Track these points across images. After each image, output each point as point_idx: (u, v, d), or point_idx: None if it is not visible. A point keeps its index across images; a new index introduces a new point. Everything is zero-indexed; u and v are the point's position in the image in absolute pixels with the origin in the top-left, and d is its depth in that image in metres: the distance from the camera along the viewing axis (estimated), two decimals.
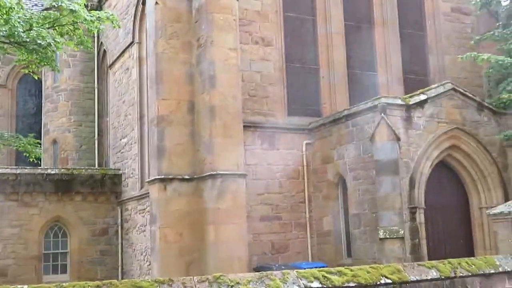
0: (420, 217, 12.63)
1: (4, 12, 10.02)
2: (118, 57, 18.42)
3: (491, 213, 11.16)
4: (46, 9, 17.37)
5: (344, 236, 13.77)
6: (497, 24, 16.51)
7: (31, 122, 22.62)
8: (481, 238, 13.73)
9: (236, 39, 13.04)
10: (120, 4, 18.53)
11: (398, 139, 12.42)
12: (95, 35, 18.52)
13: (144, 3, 14.80)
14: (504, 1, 16.48)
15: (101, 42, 19.89)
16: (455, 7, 17.21)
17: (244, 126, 12.94)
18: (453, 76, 16.40)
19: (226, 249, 11.82)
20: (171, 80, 12.97)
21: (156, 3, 13.26)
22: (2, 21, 10.19)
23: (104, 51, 19.87)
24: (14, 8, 10.13)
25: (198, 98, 12.90)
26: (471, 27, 17.33)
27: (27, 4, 17.44)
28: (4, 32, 10.14)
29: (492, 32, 15.80)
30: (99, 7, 20.01)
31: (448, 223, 13.58)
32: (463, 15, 17.27)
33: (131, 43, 17.30)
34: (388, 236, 11.94)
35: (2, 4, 9.79)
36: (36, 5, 22.02)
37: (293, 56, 15.22)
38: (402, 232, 11.96)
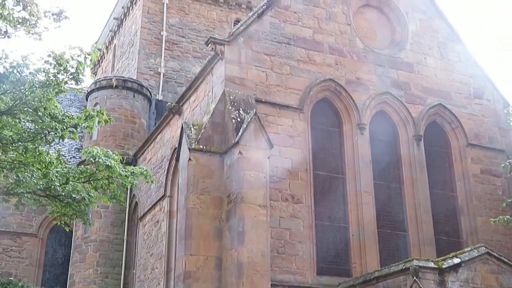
0: None
1: (44, 166, 10.43)
2: (149, 210, 18.67)
3: None
4: (82, 161, 18.02)
5: None
6: None
7: (58, 273, 22.50)
8: None
9: (266, 196, 13.19)
10: (155, 158, 19.15)
11: None
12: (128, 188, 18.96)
13: (177, 159, 15.27)
14: None
15: (134, 194, 20.29)
16: (484, 169, 17.31)
17: (272, 285, 12.64)
18: (486, 238, 16.07)
19: None
20: (200, 235, 12.98)
21: (190, 159, 13.66)
22: (40, 174, 10.57)
23: (136, 203, 20.20)
24: (53, 162, 10.56)
25: (226, 254, 12.80)
26: (502, 189, 17.28)
27: (65, 156, 18.09)
28: (41, 186, 10.47)
29: None
30: (134, 161, 20.70)
31: None
32: (494, 177, 17.30)
33: (163, 197, 17.60)
34: None
35: (42, 159, 10.23)
36: (74, 157, 22.88)
37: (323, 214, 15.20)
38: None
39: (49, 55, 10.31)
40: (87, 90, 22.74)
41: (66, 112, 10.91)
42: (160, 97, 24.50)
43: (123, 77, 23.79)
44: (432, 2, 18.74)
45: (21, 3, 10.04)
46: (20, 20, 10.13)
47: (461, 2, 55.22)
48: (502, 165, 16.20)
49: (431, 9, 18.64)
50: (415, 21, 18.18)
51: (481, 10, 57.10)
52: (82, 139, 21.88)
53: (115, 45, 30.22)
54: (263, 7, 16.09)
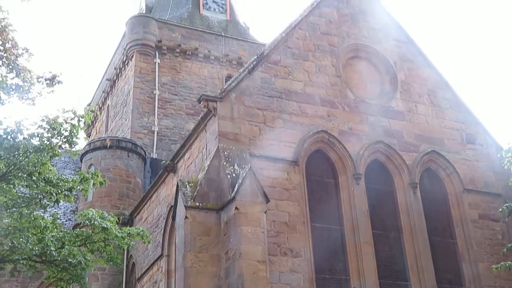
0: None
1: (39, 231, 10.33)
2: (146, 270, 18.41)
3: None
4: (78, 224, 17.88)
5: None
6: None
7: None
8: None
9: (264, 251, 13.05)
10: (151, 217, 19.01)
11: None
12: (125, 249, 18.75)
13: (174, 217, 15.15)
14: None
15: (131, 255, 20.04)
16: (482, 214, 17.24)
17: None
18: (489, 284, 15.86)
19: None
20: None
21: (186, 217, 13.56)
22: (35, 240, 10.46)
23: (133, 263, 19.93)
24: (49, 227, 10.47)
25: None
26: (502, 233, 17.18)
27: (60, 219, 17.96)
28: (37, 251, 10.35)
29: None
30: (130, 221, 20.55)
31: None
32: (492, 221, 17.22)
33: (160, 256, 17.39)
34: None
35: (37, 224, 10.14)
36: (69, 219, 22.70)
37: (323, 267, 15.00)
38: None
39: (43, 120, 10.37)
40: (81, 152, 22.76)
41: (61, 175, 10.89)
42: (154, 156, 24.53)
43: (117, 137, 23.87)
44: (419, 52, 19.07)
45: (14, 70, 10.16)
46: (14, 87, 10.24)
47: (449, 49, 56.25)
48: (500, 210, 16.14)
49: (419, 58, 18.95)
50: (404, 70, 18.45)
51: (470, 55, 58.16)
52: (77, 201, 21.74)
53: (108, 105, 30.45)
54: (254, 63, 16.32)
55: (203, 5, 31.10)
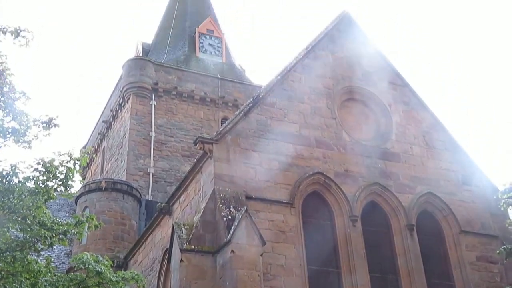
0: None
1: (32, 275, 10.20)
2: None
3: None
4: (72, 268, 17.66)
5: None
6: None
7: None
8: None
9: None
10: (146, 260, 18.81)
11: None
12: None
13: (169, 260, 15.00)
14: None
15: None
16: (480, 256, 17.11)
17: None
18: None
19: None
20: None
21: (181, 260, 13.43)
22: (29, 284, 10.31)
23: None
24: (42, 271, 10.33)
25: None
26: (500, 275, 17.02)
27: (54, 263, 17.76)
28: None
29: None
30: (125, 264, 20.32)
31: None
32: (490, 263, 17.08)
33: None
34: None
35: (31, 268, 10.02)
36: (63, 263, 22.43)
37: None
38: None
39: (38, 163, 10.35)
40: (76, 195, 22.66)
41: (55, 218, 10.81)
42: (150, 197, 24.43)
43: (112, 179, 23.81)
44: (414, 94, 19.23)
45: (11, 114, 10.20)
46: (10, 130, 10.25)
47: (444, 89, 56.80)
48: (498, 251, 16.06)
49: (414, 101, 19.11)
50: (399, 112, 18.58)
51: (464, 95, 58.73)
52: (72, 244, 21.54)
53: (104, 147, 30.48)
54: (249, 105, 16.42)
55: (199, 48, 31.50)
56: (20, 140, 10.38)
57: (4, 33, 10.45)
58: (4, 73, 10.30)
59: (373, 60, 19.05)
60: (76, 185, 29.65)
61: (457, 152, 18.74)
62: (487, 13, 58.37)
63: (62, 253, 23.42)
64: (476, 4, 59.78)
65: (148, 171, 25.51)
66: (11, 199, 9.97)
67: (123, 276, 11.63)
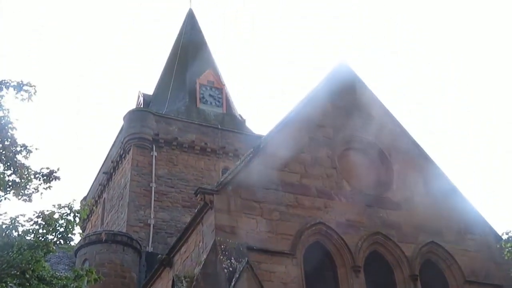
0: None
1: None
2: None
3: None
4: None
5: None
6: None
7: None
8: None
9: None
10: None
11: None
12: None
13: None
14: None
15: None
16: None
17: None
18: None
19: None
20: None
21: None
22: None
23: None
24: None
25: None
26: None
27: None
28: None
29: None
30: None
31: None
32: None
33: None
34: None
35: None
36: None
37: None
38: None
39: (38, 216, 10.31)
40: (76, 247, 22.44)
41: (54, 272, 10.69)
42: (150, 249, 24.18)
43: (113, 231, 23.64)
44: (413, 143, 19.30)
45: (12, 167, 10.21)
46: (10, 184, 10.25)
47: (444, 134, 56.99)
48: None
49: (414, 149, 19.16)
50: (399, 161, 18.59)
51: (464, 141, 58.89)
52: None
53: (104, 198, 30.38)
54: (250, 155, 16.45)
55: (200, 99, 31.76)
56: (21, 194, 10.37)
57: (7, 87, 10.56)
58: (6, 127, 10.37)
59: (372, 109, 19.20)
60: (76, 237, 29.37)
61: (459, 199, 18.64)
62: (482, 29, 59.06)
63: None
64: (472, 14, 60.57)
65: (149, 222, 25.34)
66: (10, 253, 9.89)
67: None
